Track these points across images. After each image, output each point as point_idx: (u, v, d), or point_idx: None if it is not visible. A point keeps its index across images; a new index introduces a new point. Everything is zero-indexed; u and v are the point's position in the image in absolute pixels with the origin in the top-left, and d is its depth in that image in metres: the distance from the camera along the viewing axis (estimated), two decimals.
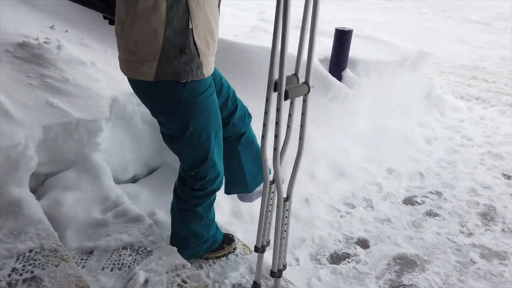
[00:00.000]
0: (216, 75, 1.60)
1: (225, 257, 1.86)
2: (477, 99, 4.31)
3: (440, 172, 2.99)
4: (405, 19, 8.36)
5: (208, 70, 1.42)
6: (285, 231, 1.38)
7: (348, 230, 2.34)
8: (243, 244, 1.96)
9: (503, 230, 2.41)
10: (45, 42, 2.32)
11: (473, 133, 3.56)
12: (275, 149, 1.24)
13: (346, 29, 2.84)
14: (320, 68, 2.84)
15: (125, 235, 1.67)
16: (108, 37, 2.64)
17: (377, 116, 3.44)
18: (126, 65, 1.41)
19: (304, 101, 1.31)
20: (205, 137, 1.51)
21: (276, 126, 1.19)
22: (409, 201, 2.67)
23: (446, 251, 2.23)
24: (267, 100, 1.20)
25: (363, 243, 2.26)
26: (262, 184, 1.65)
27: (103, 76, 2.31)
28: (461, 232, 2.38)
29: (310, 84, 1.27)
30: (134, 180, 2.32)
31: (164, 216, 2.04)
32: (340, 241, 2.25)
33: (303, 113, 1.31)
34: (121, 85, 2.28)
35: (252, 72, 2.90)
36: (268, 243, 1.54)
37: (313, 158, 2.77)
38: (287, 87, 1.17)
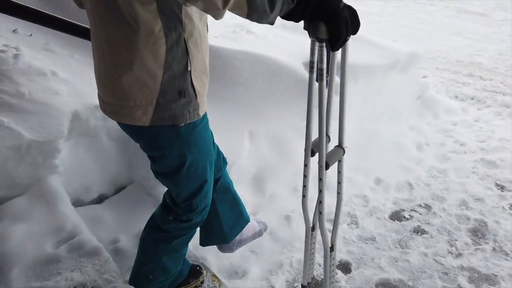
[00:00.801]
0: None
1: None
2: (472, 99, 4.14)
3: (431, 182, 2.84)
4: (401, 10, 8.12)
5: (203, 109, 1.36)
6: (332, 282, 1.57)
7: None
8: (213, 275, 1.82)
9: (493, 249, 2.27)
10: (1, 51, 2.14)
11: (466, 137, 3.40)
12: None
13: None
14: (300, 71, 2.66)
15: (77, 273, 1.52)
16: (76, 41, 2.46)
17: (365, 122, 3.27)
18: (115, 110, 1.29)
19: (340, 161, 1.47)
20: (201, 169, 1.44)
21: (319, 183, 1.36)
22: (396, 216, 2.52)
23: (432, 275, 2.09)
24: (306, 166, 1.37)
25: (345, 267, 2.12)
26: (242, 232, 1.80)
27: (65, 87, 2.13)
28: (449, 253, 2.24)
29: (344, 146, 1.44)
30: (100, 199, 2.17)
31: (128, 242, 1.90)
32: (320, 265, 2.11)
33: (339, 172, 1.51)
34: (84, 98, 2.11)
35: (232, 79, 2.72)
36: (309, 283, 1.68)
37: (296, 169, 2.60)
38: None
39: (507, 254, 2.23)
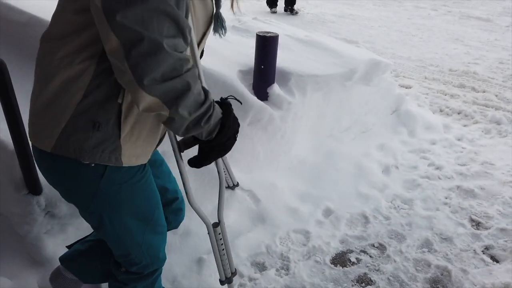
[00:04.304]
0: (156, 160, 1.42)
1: None
2: (458, 113, 3.65)
3: (391, 215, 2.38)
4: (399, 14, 7.63)
5: (129, 159, 1.12)
6: (223, 249, 1.57)
7: None
8: None
9: None
10: None
11: (444, 159, 2.92)
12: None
13: (269, 35, 2.23)
14: (236, 83, 2.24)
15: None
16: None
17: (324, 139, 2.83)
18: (30, 128, 1.14)
19: None
20: (133, 228, 1.25)
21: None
22: (340, 259, 2.07)
23: None
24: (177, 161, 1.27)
25: None
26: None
27: None
28: None
29: None
30: None
31: None
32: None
33: None
34: None
35: None
36: (233, 273, 1.66)
37: (226, 199, 2.18)
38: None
39: None
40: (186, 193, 1.33)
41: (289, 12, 7.29)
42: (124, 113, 1.04)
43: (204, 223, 1.46)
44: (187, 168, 1.27)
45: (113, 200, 1.17)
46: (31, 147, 1.18)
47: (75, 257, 1.54)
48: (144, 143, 1.14)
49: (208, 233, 1.50)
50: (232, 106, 1.17)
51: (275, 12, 7.32)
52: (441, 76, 4.56)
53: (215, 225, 1.50)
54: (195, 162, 1.19)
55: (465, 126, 3.45)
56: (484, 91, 4.10)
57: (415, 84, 4.30)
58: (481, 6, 8.42)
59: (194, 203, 1.37)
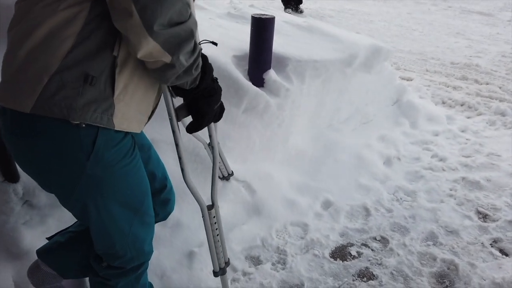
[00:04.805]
0: (144, 145, 1.30)
1: None
2: (462, 105, 3.54)
3: (394, 207, 2.26)
4: (399, 9, 7.53)
5: (121, 122, 1.00)
6: (217, 235, 1.44)
7: None
8: None
9: None
10: None
11: (448, 151, 2.80)
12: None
13: (264, 16, 2.11)
14: (230, 67, 2.12)
15: None
16: None
17: (323, 129, 2.71)
18: (2, 89, 0.97)
19: None
20: (121, 218, 1.14)
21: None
22: (340, 253, 1.95)
23: None
24: (174, 132, 1.20)
25: None
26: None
27: None
28: None
29: None
30: None
31: None
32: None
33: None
34: None
35: None
36: (226, 263, 1.54)
37: (219, 190, 2.06)
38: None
39: None
40: (182, 170, 1.24)
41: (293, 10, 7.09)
42: (119, 67, 0.95)
43: (199, 204, 1.37)
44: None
45: (100, 185, 1.05)
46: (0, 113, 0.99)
47: (54, 249, 1.42)
48: (137, 106, 1.04)
49: (203, 216, 1.40)
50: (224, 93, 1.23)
51: (289, 13, 7.12)
52: (442, 69, 4.45)
53: (210, 207, 1.40)
54: (191, 126, 1.18)
55: (468, 117, 3.34)
56: (487, 83, 3.99)
57: (416, 76, 4.18)
58: (481, 1, 8.32)
59: (190, 182, 1.28)
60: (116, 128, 1.01)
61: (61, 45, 0.90)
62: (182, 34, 0.92)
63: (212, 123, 1.32)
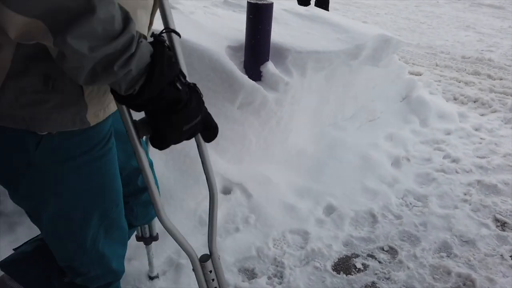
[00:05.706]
0: (124, 133, 0.88)
1: None
2: (474, 101, 3.32)
3: (403, 213, 2.07)
4: (405, 2, 7.28)
5: (96, 116, 0.84)
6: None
7: None
8: None
9: None
10: None
11: (461, 151, 2.60)
12: None
13: (261, 2, 1.90)
14: (223, 59, 1.93)
15: None
16: None
17: (326, 128, 2.52)
18: None
19: None
20: (80, 226, 0.95)
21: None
22: (343, 265, 1.76)
23: None
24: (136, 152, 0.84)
25: None
26: None
27: None
28: None
29: None
30: None
31: None
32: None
33: (198, 145, 0.95)
34: None
35: None
36: None
37: (202, 193, 1.88)
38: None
39: None
40: (154, 205, 0.87)
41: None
42: None
43: (186, 254, 0.98)
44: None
45: (51, 180, 0.87)
46: None
47: (19, 261, 1.24)
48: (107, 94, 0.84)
49: (193, 270, 1.02)
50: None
51: None
52: (453, 64, 4.23)
53: (204, 258, 1.01)
54: (151, 140, 0.80)
55: (482, 115, 3.13)
56: (501, 79, 3.77)
57: (426, 71, 3.97)
58: None
59: (167, 223, 0.89)
60: (92, 124, 0.84)
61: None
62: (69, 4, 0.59)
63: (201, 140, 0.93)
